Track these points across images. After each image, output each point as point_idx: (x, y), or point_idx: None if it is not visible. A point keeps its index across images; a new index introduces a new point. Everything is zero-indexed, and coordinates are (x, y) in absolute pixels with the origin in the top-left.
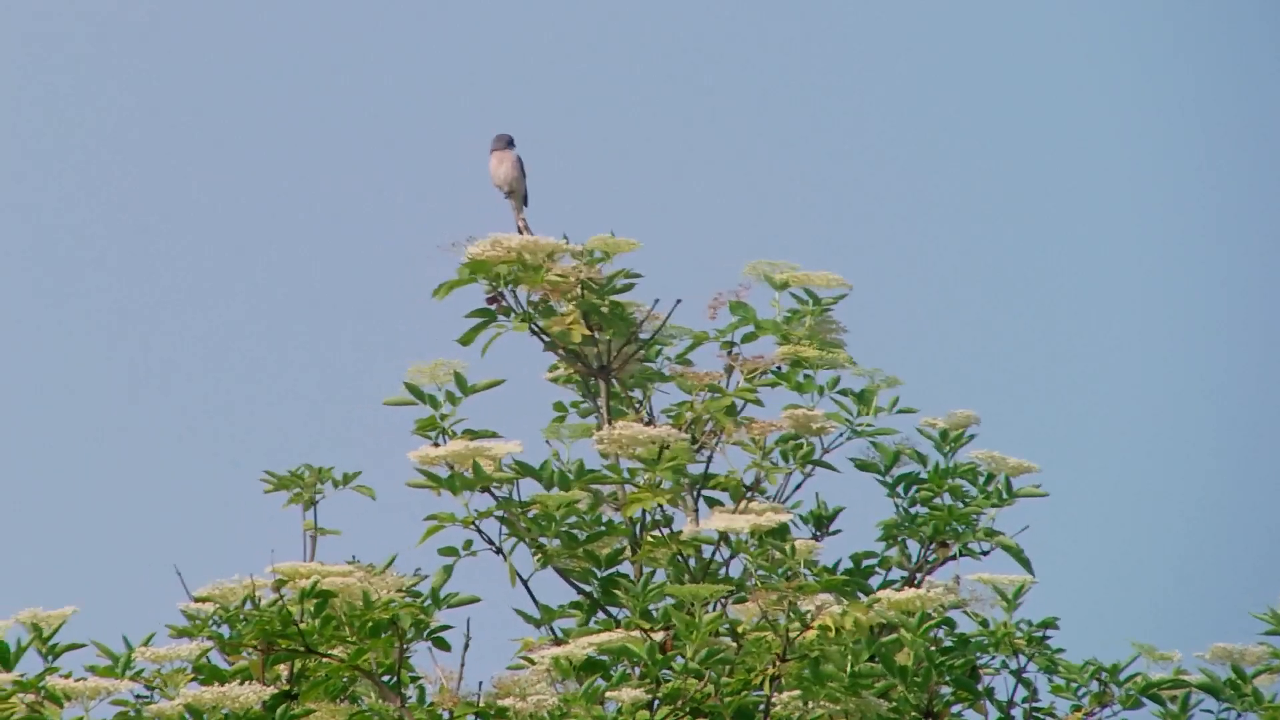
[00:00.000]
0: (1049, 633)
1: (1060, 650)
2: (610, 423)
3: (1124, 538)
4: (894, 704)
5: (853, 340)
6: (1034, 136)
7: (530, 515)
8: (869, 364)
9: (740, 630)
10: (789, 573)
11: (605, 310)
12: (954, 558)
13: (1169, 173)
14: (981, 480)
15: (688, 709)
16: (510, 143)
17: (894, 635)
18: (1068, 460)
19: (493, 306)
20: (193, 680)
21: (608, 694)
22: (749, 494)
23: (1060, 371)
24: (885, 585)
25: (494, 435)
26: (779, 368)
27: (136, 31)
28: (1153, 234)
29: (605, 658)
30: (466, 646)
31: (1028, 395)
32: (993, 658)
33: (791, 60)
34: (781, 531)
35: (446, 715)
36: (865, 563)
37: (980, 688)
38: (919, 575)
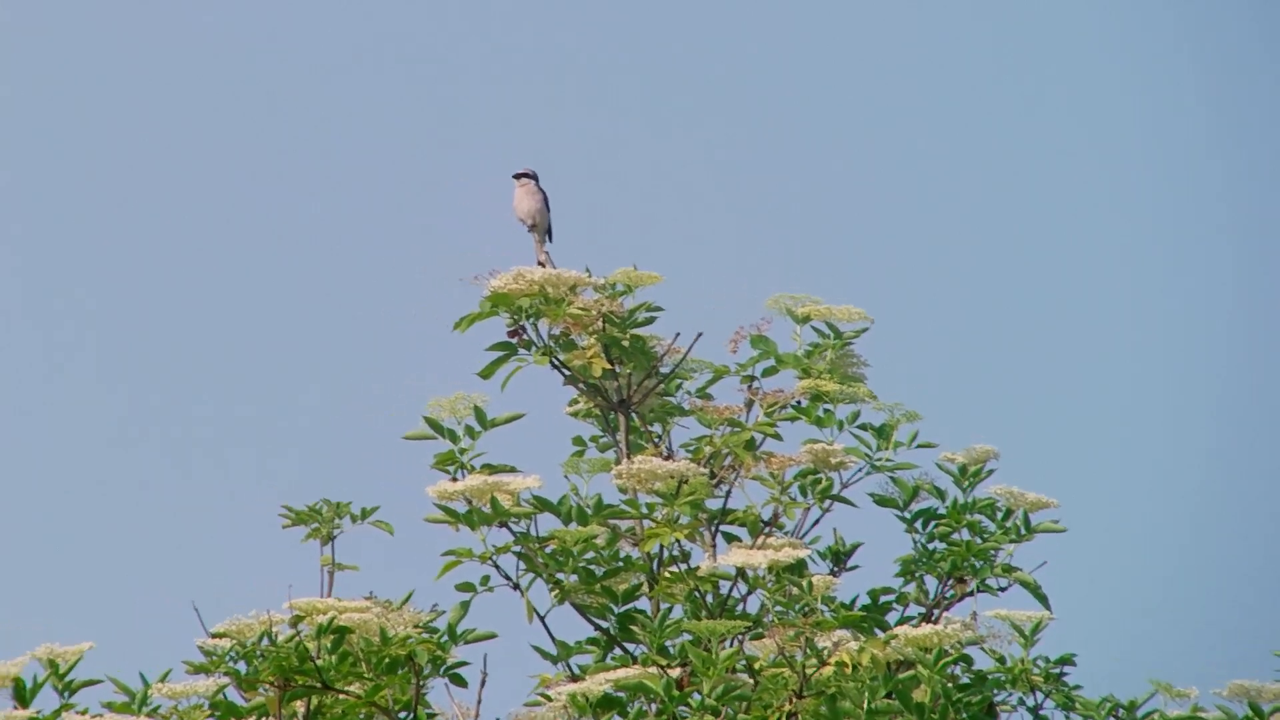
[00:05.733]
0: (1066, 669)
1: (1077, 687)
2: (629, 457)
3: (1142, 575)
4: None
5: (874, 374)
6: (1061, 177)
7: (548, 550)
8: (890, 398)
9: (757, 666)
10: (806, 609)
11: (626, 344)
12: (971, 594)
13: (1190, 216)
14: (1000, 516)
15: None
16: (534, 177)
17: (911, 672)
18: (1087, 495)
19: (514, 340)
20: (209, 717)
21: None
22: (767, 529)
23: (1080, 407)
24: (903, 621)
25: (512, 470)
26: (799, 402)
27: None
28: (1181, 276)
29: (622, 694)
30: (483, 683)
31: (1048, 430)
32: (1010, 694)
33: (816, 98)
34: (799, 567)
35: None
36: (883, 599)
37: None
38: (936, 611)
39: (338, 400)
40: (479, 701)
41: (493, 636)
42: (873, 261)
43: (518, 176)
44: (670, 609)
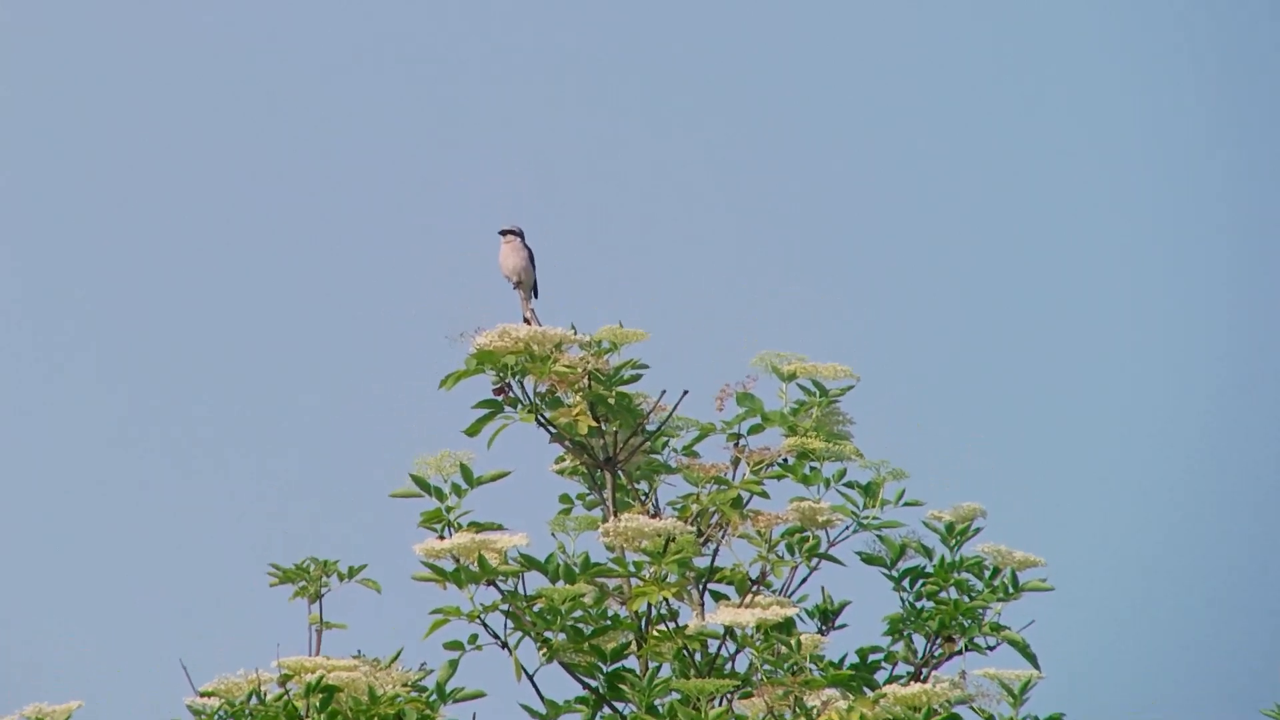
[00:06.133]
0: None
1: None
2: (616, 515)
3: (1131, 632)
4: None
5: (860, 432)
6: (1061, 177)
7: (535, 609)
8: (876, 456)
9: None
10: (795, 667)
11: (612, 401)
12: (960, 653)
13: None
14: (987, 574)
15: None
16: (520, 233)
17: None
18: (1075, 553)
19: (500, 397)
20: None
21: None
22: (755, 587)
23: (1067, 464)
24: (891, 680)
25: (499, 528)
26: (785, 460)
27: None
28: (1181, 275)
29: None
30: None
31: (1035, 488)
32: None
33: (816, 98)
34: (787, 626)
35: None
36: (871, 657)
37: None
38: (925, 670)
39: (338, 401)
40: None
41: (481, 695)
42: (872, 262)
43: (503, 233)
44: (659, 667)
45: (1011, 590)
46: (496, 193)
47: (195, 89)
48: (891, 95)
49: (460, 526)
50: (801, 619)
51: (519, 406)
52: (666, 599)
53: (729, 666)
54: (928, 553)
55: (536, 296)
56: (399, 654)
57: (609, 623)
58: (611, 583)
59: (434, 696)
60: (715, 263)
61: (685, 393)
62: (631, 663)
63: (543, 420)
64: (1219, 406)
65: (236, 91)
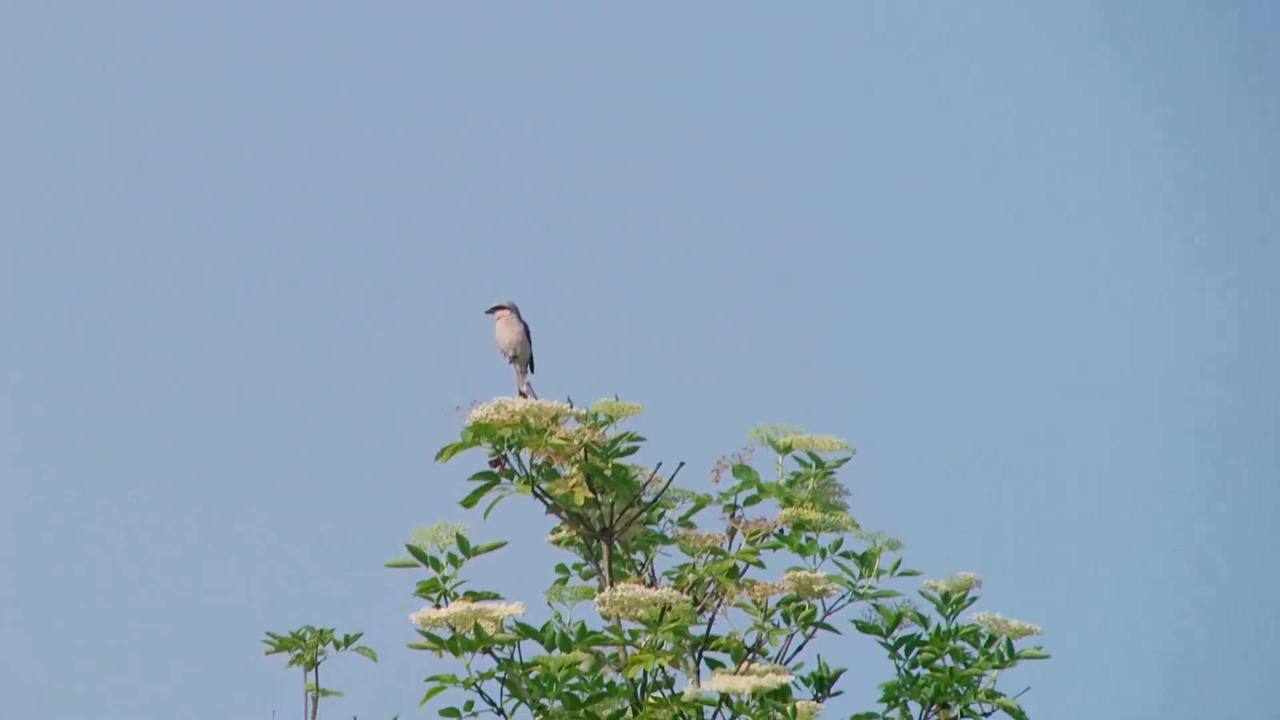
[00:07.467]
0: None
1: None
2: (612, 585)
3: (1126, 699)
4: None
5: (855, 503)
6: (1059, 179)
7: (532, 676)
8: (871, 526)
9: None
10: None
11: (608, 473)
12: (955, 719)
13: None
14: (983, 642)
15: None
16: (513, 308)
17: None
18: (1071, 621)
19: (496, 469)
20: None
21: None
22: (750, 655)
23: (1062, 532)
24: None
25: (496, 597)
26: (781, 530)
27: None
28: (1169, 382)
29: None
30: None
31: (1031, 556)
32: None
33: (816, 99)
34: (783, 693)
35: None
36: None
37: None
38: None
39: (322, 527)
40: None
41: None
42: (870, 262)
43: (492, 311)
44: None
45: (1007, 658)
46: (495, 275)
47: (193, 90)
48: (891, 97)
49: (456, 596)
50: (797, 686)
51: (515, 478)
52: (662, 666)
53: None
54: (923, 621)
55: (533, 370)
56: None
57: (605, 690)
58: (607, 650)
59: None
60: (715, 263)
61: (681, 464)
62: None
63: (539, 492)
64: (1221, 413)
65: (235, 93)
